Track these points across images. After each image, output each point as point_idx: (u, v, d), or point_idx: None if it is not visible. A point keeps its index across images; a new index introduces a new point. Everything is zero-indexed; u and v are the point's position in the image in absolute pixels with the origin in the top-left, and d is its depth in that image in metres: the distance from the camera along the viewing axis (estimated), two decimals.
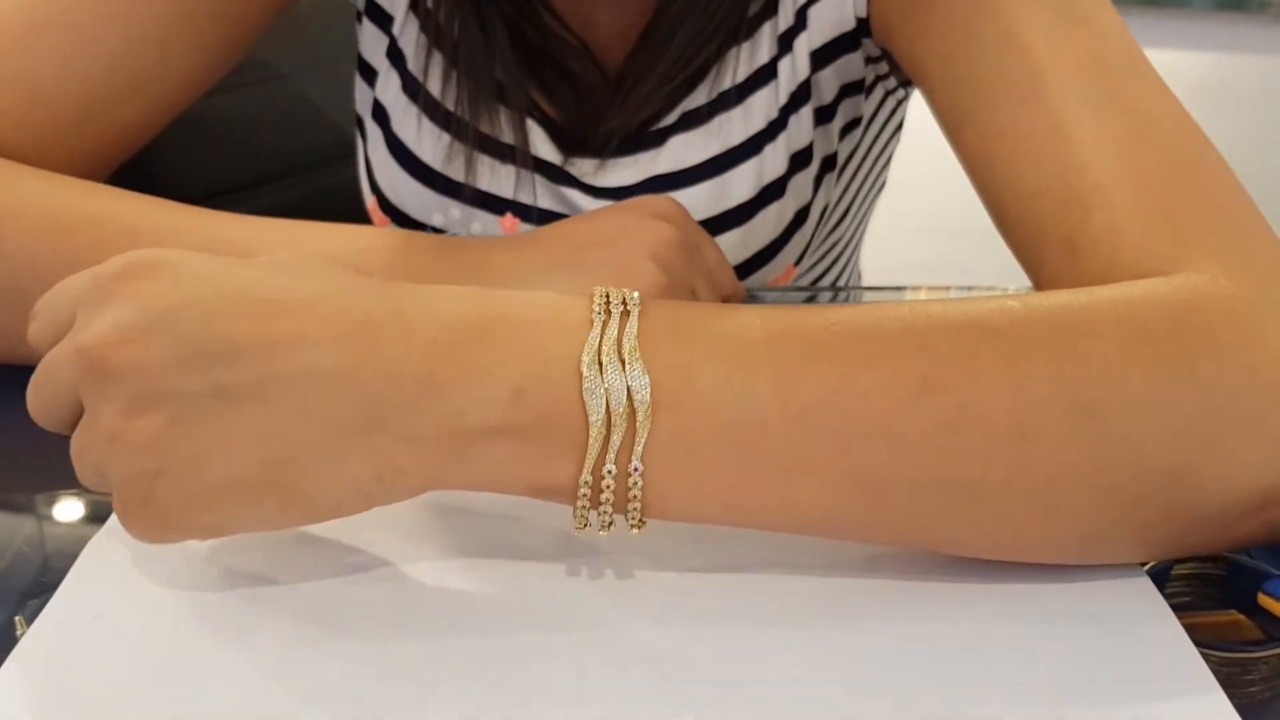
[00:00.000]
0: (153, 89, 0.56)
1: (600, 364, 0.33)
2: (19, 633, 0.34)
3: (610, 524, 0.34)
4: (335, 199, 0.93)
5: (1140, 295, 0.36)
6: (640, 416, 0.32)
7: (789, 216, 0.63)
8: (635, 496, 0.33)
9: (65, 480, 0.42)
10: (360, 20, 0.67)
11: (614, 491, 0.33)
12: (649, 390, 0.32)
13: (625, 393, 0.32)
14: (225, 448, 0.32)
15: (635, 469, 0.33)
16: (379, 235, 0.51)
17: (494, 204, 0.63)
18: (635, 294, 0.34)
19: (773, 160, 0.61)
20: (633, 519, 0.34)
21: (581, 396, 0.32)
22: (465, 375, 0.32)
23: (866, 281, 0.83)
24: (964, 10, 0.50)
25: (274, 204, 0.90)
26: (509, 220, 0.64)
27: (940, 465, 0.33)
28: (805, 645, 0.33)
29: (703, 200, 0.61)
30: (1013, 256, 0.49)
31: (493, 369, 0.32)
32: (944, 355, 0.34)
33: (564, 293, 0.46)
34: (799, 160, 0.62)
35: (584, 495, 0.33)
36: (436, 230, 0.65)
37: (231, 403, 0.32)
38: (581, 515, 0.33)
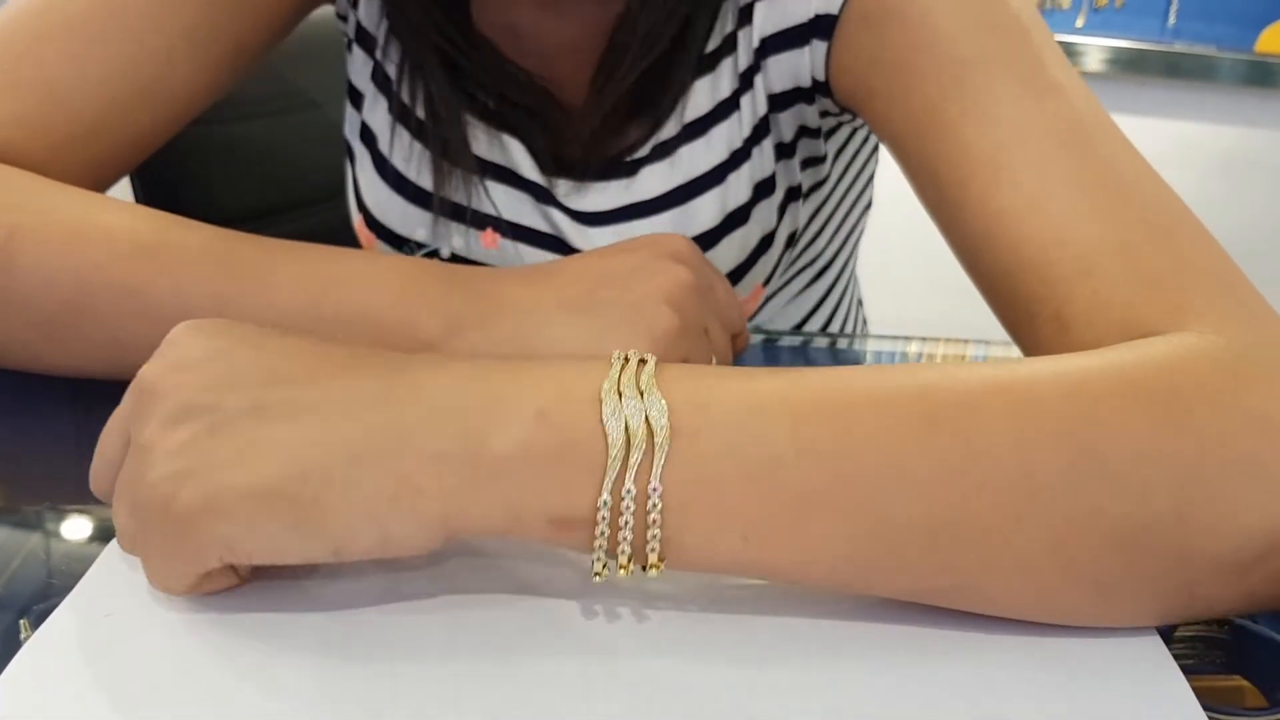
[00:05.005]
0: (160, 98, 0.58)
1: (619, 393, 0.34)
2: (23, 636, 0.35)
3: (629, 562, 0.34)
4: None
5: (1136, 355, 0.37)
6: (659, 439, 0.33)
7: (753, 242, 0.64)
8: (655, 522, 0.33)
9: (79, 491, 0.42)
10: (350, 48, 0.69)
11: (634, 515, 0.33)
12: (667, 416, 0.34)
13: (644, 419, 0.33)
14: (249, 456, 0.33)
15: (654, 489, 0.33)
16: (393, 262, 0.51)
17: (475, 219, 0.65)
18: (652, 356, 0.36)
19: (736, 189, 0.62)
20: (652, 555, 0.34)
21: (601, 421, 0.33)
22: (490, 400, 0.34)
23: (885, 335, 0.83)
24: (931, 83, 0.50)
25: (303, 228, 0.91)
26: (489, 235, 0.65)
27: (951, 504, 0.33)
28: (807, 691, 0.33)
29: (668, 227, 0.61)
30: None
31: (517, 395, 0.34)
32: (948, 402, 0.35)
33: (578, 333, 0.47)
34: (762, 189, 0.63)
35: (603, 521, 0.33)
36: (419, 245, 0.66)
37: (264, 418, 0.34)
38: (599, 551, 0.34)
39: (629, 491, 0.33)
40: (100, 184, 0.59)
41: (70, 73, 0.55)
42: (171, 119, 0.60)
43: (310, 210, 0.91)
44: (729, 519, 0.34)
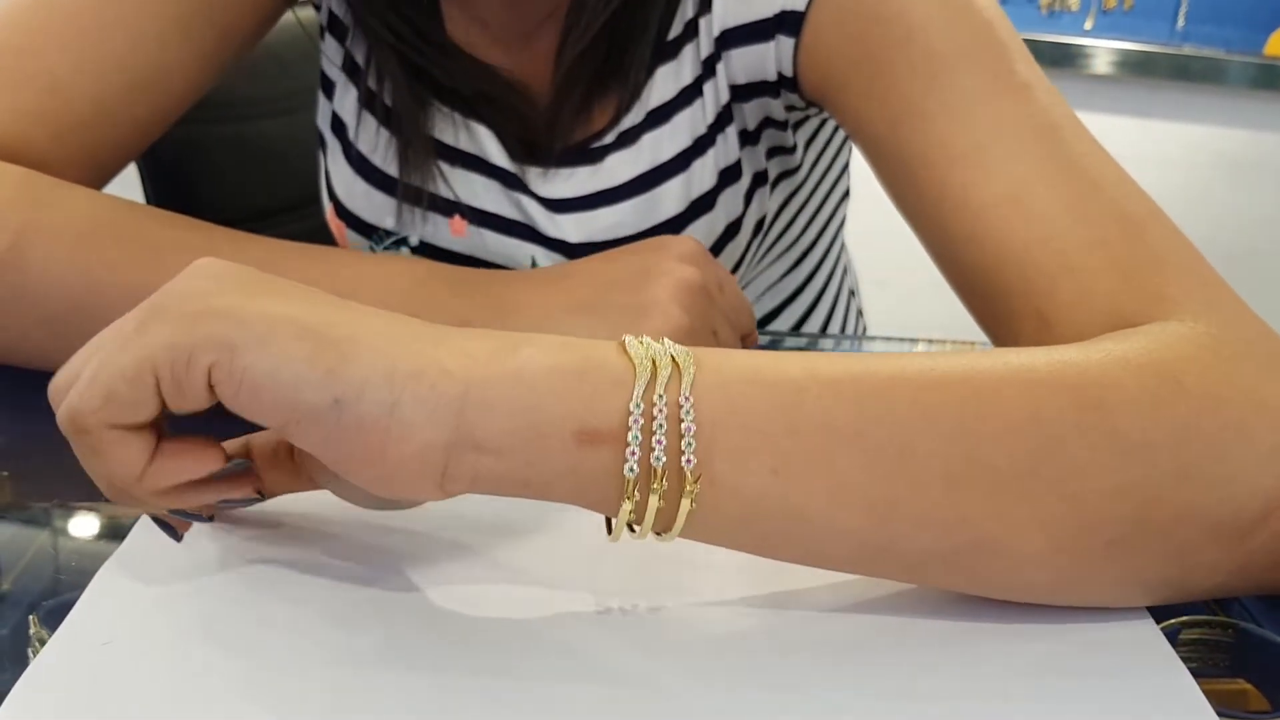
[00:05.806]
0: (157, 87, 0.59)
1: (640, 342, 0.35)
2: (32, 631, 0.35)
3: (663, 478, 0.33)
4: None
5: (1124, 341, 0.38)
6: (684, 364, 0.34)
7: (719, 229, 0.64)
8: (690, 431, 0.33)
9: (88, 489, 0.43)
10: (323, 35, 0.69)
11: (667, 419, 0.33)
12: (690, 352, 0.34)
13: (667, 353, 0.34)
14: (285, 298, 0.34)
15: (686, 398, 0.33)
16: (402, 264, 0.51)
17: (442, 206, 0.65)
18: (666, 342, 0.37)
19: (701, 176, 0.62)
20: (688, 468, 0.33)
21: (625, 349, 0.34)
22: (518, 334, 0.35)
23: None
24: (907, 78, 0.50)
25: (313, 227, 0.91)
26: (457, 222, 0.65)
27: (966, 445, 0.34)
28: (809, 693, 0.33)
29: (634, 214, 0.61)
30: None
31: (542, 335, 0.35)
32: (958, 367, 0.36)
33: (587, 335, 0.47)
34: (728, 176, 0.63)
35: (635, 425, 0.33)
36: (389, 233, 0.66)
37: (307, 292, 0.35)
38: (631, 462, 0.33)
39: (660, 397, 0.33)
40: (104, 174, 0.59)
41: (69, 65, 0.56)
42: (169, 106, 0.60)
43: (318, 208, 0.92)
44: (758, 444, 0.34)
